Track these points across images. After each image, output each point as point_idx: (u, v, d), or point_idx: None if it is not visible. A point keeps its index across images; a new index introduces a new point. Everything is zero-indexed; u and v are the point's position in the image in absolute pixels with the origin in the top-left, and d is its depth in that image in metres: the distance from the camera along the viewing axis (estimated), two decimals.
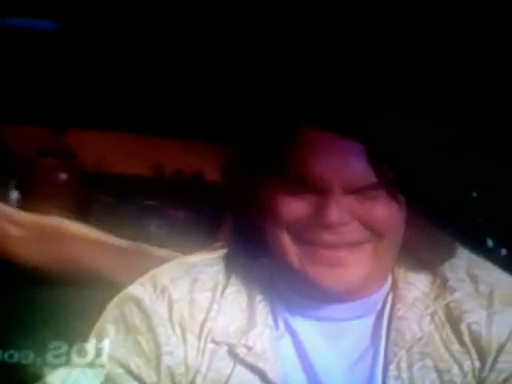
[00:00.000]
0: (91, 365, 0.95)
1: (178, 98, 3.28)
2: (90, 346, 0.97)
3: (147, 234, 2.81)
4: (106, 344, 0.97)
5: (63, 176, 2.38)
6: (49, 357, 1.02)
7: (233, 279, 0.93)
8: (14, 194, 2.20)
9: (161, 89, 3.20)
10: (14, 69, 2.67)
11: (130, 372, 0.87)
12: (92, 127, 3.03)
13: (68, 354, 0.99)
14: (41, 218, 1.35)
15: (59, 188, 2.36)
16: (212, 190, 3.28)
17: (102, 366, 0.98)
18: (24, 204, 2.23)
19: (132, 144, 3.42)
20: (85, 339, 0.96)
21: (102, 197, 2.65)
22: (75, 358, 0.97)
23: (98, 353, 0.97)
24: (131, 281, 0.97)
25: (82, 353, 0.96)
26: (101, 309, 0.97)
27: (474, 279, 0.91)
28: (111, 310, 0.92)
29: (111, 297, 0.97)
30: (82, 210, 2.50)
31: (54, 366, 1.00)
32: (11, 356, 1.02)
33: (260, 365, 0.86)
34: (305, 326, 0.90)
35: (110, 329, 0.90)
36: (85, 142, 2.83)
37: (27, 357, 1.04)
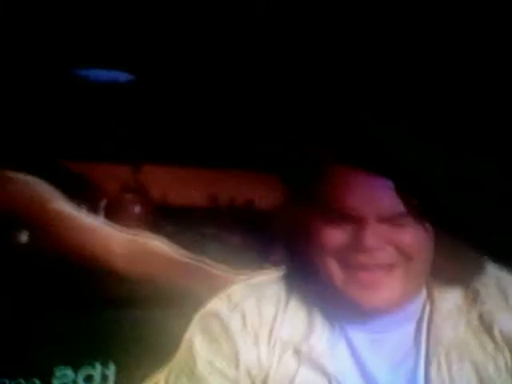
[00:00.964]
0: None
1: (231, 137, 3.48)
2: (97, 372, 1.09)
3: (206, 257, 3.07)
4: (112, 371, 1.09)
5: (138, 209, 2.56)
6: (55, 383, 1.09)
7: (292, 296, 1.02)
8: None
9: (216, 129, 3.43)
10: (99, 116, 2.95)
11: (216, 370, 0.98)
12: (160, 163, 3.26)
13: (75, 380, 1.08)
14: (137, 238, 1.44)
15: (136, 219, 2.53)
16: (262, 217, 3.46)
17: None
18: None
19: (190, 177, 3.62)
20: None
21: (166, 227, 2.84)
22: None
23: (104, 379, 1.09)
24: (202, 292, 1.10)
25: (88, 379, 1.05)
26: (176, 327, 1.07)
27: (503, 293, 1.00)
28: (197, 322, 1.03)
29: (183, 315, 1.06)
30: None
31: None
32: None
33: (321, 361, 0.96)
34: (355, 334, 0.99)
35: (198, 337, 1.01)
36: (153, 178, 3.08)
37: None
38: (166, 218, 2.89)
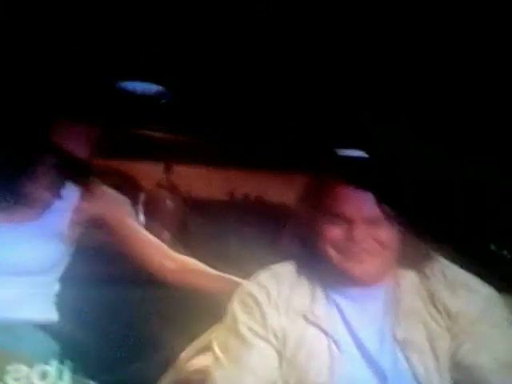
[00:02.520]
0: None
1: (245, 140, 3.73)
2: (52, 368, 1.06)
3: (227, 245, 3.07)
4: (67, 367, 1.09)
5: (171, 203, 2.90)
6: (8, 379, 1.06)
7: (300, 277, 1.32)
8: (141, 217, 2.58)
9: (231, 133, 3.62)
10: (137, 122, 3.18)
11: (252, 330, 1.26)
12: (186, 163, 3.53)
13: (28, 376, 1.05)
14: (185, 258, 1.66)
15: (169, 212, 2.85)
16: (273, 209, 3.70)
17: None
18: (147, 224, 2.64)
19: (213, 175, 3.86)
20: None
21: (194, 217, 3.09)
22: (36, 381, 1.05)
23: (60, 375, 1.07)
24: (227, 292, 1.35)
25: (43, 375, 1.04)
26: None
27: (443, 275, 1.29)
28: (236, 299, 1.32)
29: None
30: (181, 229, 2.92)
31: None
32: None
33: (322, 324, 1.25)
34: (344, 303, 1.28)
35: (238, 309, 1.29)
36: (180, 176, 3.28)
37: None
38: (192, 211, 3.14)
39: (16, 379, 1.13)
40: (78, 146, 1.53)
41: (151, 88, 3.16)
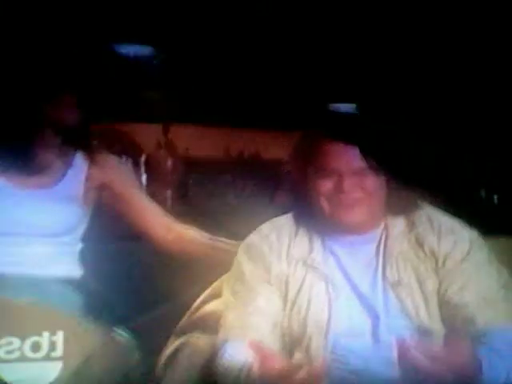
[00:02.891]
0: (46, 359, 1.10)
1: (240, 99, 3.76)
2: (44, 340, 1.12)
3: (224, 202, 3.25)
4: (60, 337, 1.14)
5: (170, 163, 2.95)
6: (0, 353, 1.10)
7: (298, 227, 1.41)
8: (144, 177, 2.71)
9: (226, 92, 3.72)
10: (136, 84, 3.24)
11: (257, 275, 1.36)
12: (183, 122, 3.57)
13: (20, 349, 1.10)
14: (182, 228, 1.73)
15: (168, 172, 2.90)
16: (268, 166, 3.80)
17: (58, 359, 1.13)
18: (149, 183, 2.77)
19: (208, 133, 3.93)
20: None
21: (193, 175, 3.20)
22: (29, 353, 1.10)
23: (53, 347, 1.13)
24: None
25: (35, 347, 1.11)
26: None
27: (430, 221, 1.37)
28: (242, 249, 1.42)
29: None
30: (181, 187, 3.01)
31: (7, 362, 1.11)
32: None
33: (319, 269, 1.35)
34: (339, 250, 1.38)
35: (244, 258, 1.39)
36: (177, 136, 3.41)
37: None
38: (190, 169, 3.22)
39: (8, 352, 1.14)
40: (71, 115, 1.62)
41: (144, 50, 3.24)
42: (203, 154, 3.58)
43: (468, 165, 3.39)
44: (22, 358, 1.16)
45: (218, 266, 1.46)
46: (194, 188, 3.12)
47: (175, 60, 3.38)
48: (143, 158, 2.85)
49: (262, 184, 3.38)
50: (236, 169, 3.67)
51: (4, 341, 1.19)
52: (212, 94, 3.66)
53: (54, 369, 1.20)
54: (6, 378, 1.14)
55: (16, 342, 1.21)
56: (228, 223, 1.88)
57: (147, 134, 3.14)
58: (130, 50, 3.21)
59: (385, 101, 3.68)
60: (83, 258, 1.69)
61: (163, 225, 1.73)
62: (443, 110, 3.77)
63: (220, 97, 3.70)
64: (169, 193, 2.74)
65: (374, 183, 1.33)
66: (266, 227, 1.43)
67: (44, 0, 2.75)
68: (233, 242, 1.63)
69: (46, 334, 1.20)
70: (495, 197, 3.38)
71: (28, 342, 1.20)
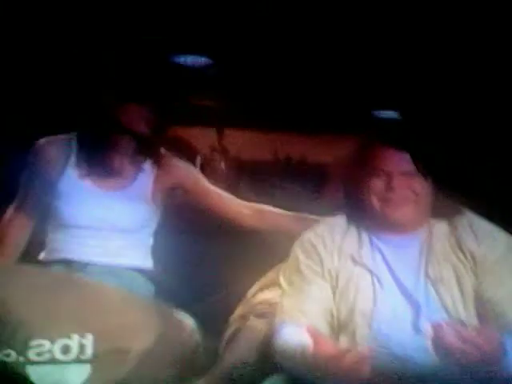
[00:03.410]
0: (76, 361, 1.12)
1: (289, 106, 3.87)
2: (73, 343, 1.16)
3: (272, 202, 3.49)
4: (89, 340, 1.17)
5: (223, 165, 3.13)
6: (31, 355, 1.12)
7: (349, 226, 1.52)
8: None
9: (275, 100, 3.85)
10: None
11: (311, 268, 1.48)
12: (235, 127, 3.70)
13: (51, 351, 1.13)
14: (257, 204, 1.88)
15: (222, 173, 3.09)
16: (315, 169, 3.89)
17: (87, 362, 1.15)
18: None
19: (258, 138, 4.05)
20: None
21: (244, 177, 3.33)
22: (59, 356, 1.13)
23: (82, 349, 1.16)
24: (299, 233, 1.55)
25: (65, 350, 1.14)
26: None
27: (470, 226, 1.47)
28: (298, 244, 1.54)
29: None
30: (233, 188, 3.20)
31: (38, 364, 1.13)
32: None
33: (367, 265, 1.47)
34: (385, 247, 1.48)
35: (299, 252, 1.52)
36: (229, 140, 3.56)
37: (9, 356, 1.13)
38: (241, 171, 3.38)
39: (39, 354, 1.15)
40: (141, 124, 1.76)
41: (200, 60, 3.43)
42: (253, 158, 3.70)
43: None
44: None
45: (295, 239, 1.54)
46: (245, 189, 3.18)
47: (229, 70, 3.52)
48: (199, 160, 2.99)
49: (307, 186, 3.46)
50: (283, 171, 3.77)
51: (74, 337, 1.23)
52: (262, 101, 3.79)
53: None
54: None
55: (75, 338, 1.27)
56: None
57: (202, 138, 3.28)
58: (188, 60, 3.36)
59: (426, 108, 3.72)
60: (154, 251, 1.85)
61: (239, 203, 1.88)
62: (485, 118, 3.79)
63: (269, 104, 3.82)
64: None
65: (421, 185, 1.43)
66: (319, 226, 1.55)
67: (120, 21, 2.92)
68: (312, 216, 1.71)
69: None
70: None
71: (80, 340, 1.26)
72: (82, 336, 1.22)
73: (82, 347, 1.19)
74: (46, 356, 1.14)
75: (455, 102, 3.78)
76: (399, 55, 3.54)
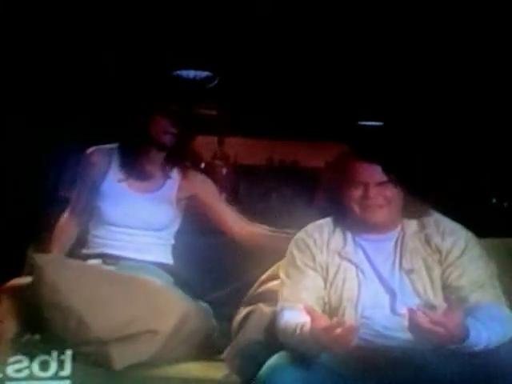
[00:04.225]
0: (54, 378, 1.05)
1: (283, 114, 4.03)
2: (52, 359, 1.09)
3: (269, 204, 3.58)
4: (68, 356, 1.11)
5: (225, 171, 3.32)
6: (10, 371, 1.07)
7: (336, 227, 1.68)
8: None
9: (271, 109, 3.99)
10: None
11: (305, 263, 1.65)
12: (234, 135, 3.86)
13: (29, 367, 1.08)
14: (251, 225, 2.03)
15: (223, 178, 3.28)
16: (306, 173, 4.04)
17: (66, 378, 1.07)
18: None
19: (254, 145, 4.13)
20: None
21: (242, 182, 3.50)
22: (37, 372, 1.07)
23: (61, 366, 1.10)
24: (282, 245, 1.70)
25: (44, 366, 1.09)
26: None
27: (436, 224, 1.65)
28: (293, 242, 1.70)
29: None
30: (233, 192, 3.36)
31: (16, 381, 1.10)
32: None
33: (351, 259, 1.64)
34: (366, 244, 1.65)
35: (294, 249, 1.68)
36: (229, 147, 3.72)
37: None
38: (240, 176, 3.55)
39: (17, 371, 1.12)
40: (167, 136, 1.97)
41: (201, 74, 3.60)
42: (250, 163, 3.83)
43: (481, 175, 3.55)
44: None
45: (278, 252, 1.77)
46: (243, 192, 3.44)
47: (228, 84, 3.70)
48: (203, 166, 3.15)
49: (300, 189, 3.52)
50: (278, 176, 3.89)
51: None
52: (258, 111, 3.97)
53: None
54: None
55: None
56: (273, 223, 2.12)
57: (205, 146, 3.41)
58: (191, 74, 3.55)
59: (408, 120, 3.84)
60: (175, 249, 2.06)
61: (238, 225, 2.06)
62: (458, 125, 3.90)
63: (264, 113, 3.96)
64: (223, 196, 2.83)
65: (393, 193, 1.61)
66: (310, 227, 1.74)
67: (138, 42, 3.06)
68: (290, 231, 1.86)
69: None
70: (505, 204, 3.58)
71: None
72: (61, 353, 1.21)
73: (60, 363, 1.19)
74: (24, 373, 1.14)
75: (436, 113, 3.88)
76: (387, 68, 3.65)
